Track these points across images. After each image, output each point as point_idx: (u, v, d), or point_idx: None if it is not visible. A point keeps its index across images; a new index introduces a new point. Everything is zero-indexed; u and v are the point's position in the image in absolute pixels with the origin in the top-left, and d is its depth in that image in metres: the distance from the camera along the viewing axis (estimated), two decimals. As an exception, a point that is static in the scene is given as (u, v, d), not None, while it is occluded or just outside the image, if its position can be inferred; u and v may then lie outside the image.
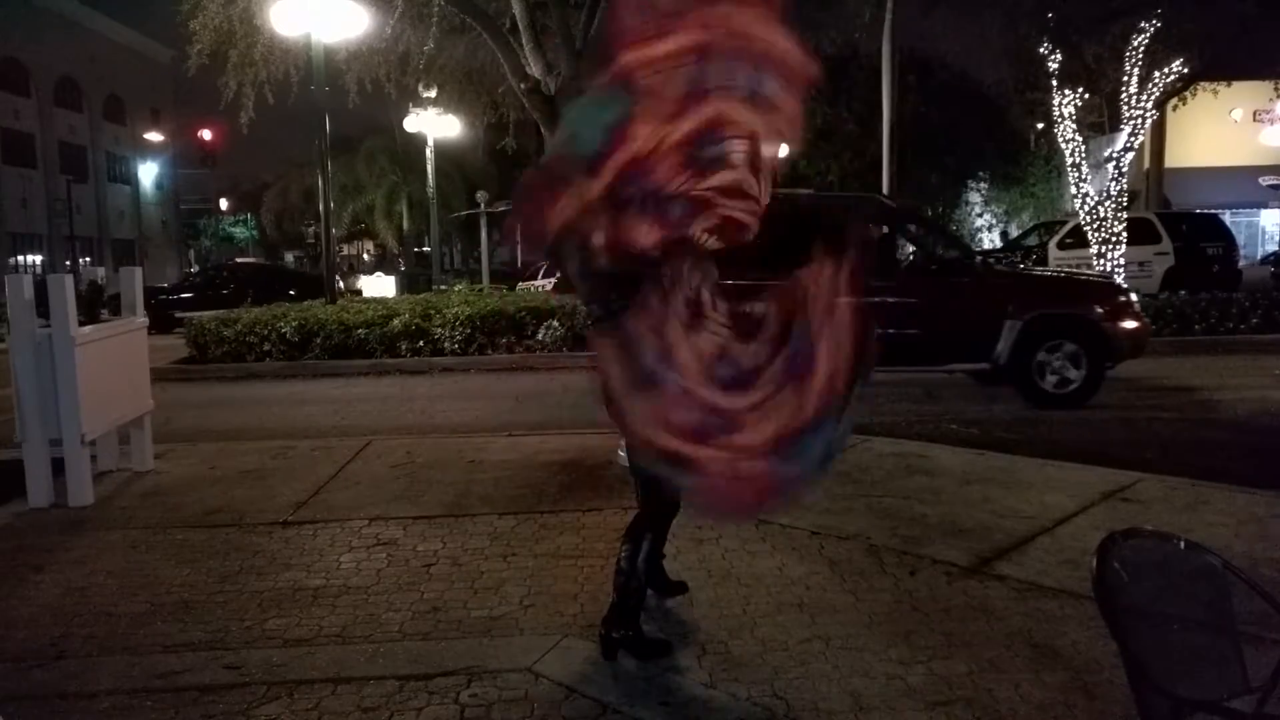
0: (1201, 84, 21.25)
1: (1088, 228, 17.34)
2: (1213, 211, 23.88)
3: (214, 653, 3.85)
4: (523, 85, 16.65)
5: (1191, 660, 2.12)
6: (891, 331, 9.44)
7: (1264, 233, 32.73)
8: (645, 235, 3.14)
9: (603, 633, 3.75)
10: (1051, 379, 9.58)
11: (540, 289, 21.76)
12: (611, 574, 3.81)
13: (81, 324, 6.15)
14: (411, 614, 4.21)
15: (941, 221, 40.89)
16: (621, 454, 6.65)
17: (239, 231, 60.89)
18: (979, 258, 10.69)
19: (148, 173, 55.89)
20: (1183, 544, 2.26)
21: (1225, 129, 28.95)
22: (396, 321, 14.12)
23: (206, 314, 16.28)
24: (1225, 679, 2.07)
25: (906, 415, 9.15)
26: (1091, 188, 17.48)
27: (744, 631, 3.93)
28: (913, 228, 11.11)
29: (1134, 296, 10.29)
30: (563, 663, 3.68)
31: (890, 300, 9.49)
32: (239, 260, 42.05)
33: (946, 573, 4.55)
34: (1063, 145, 18.43)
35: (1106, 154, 18.03)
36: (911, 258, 11.18)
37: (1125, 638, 2.00)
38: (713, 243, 3.30)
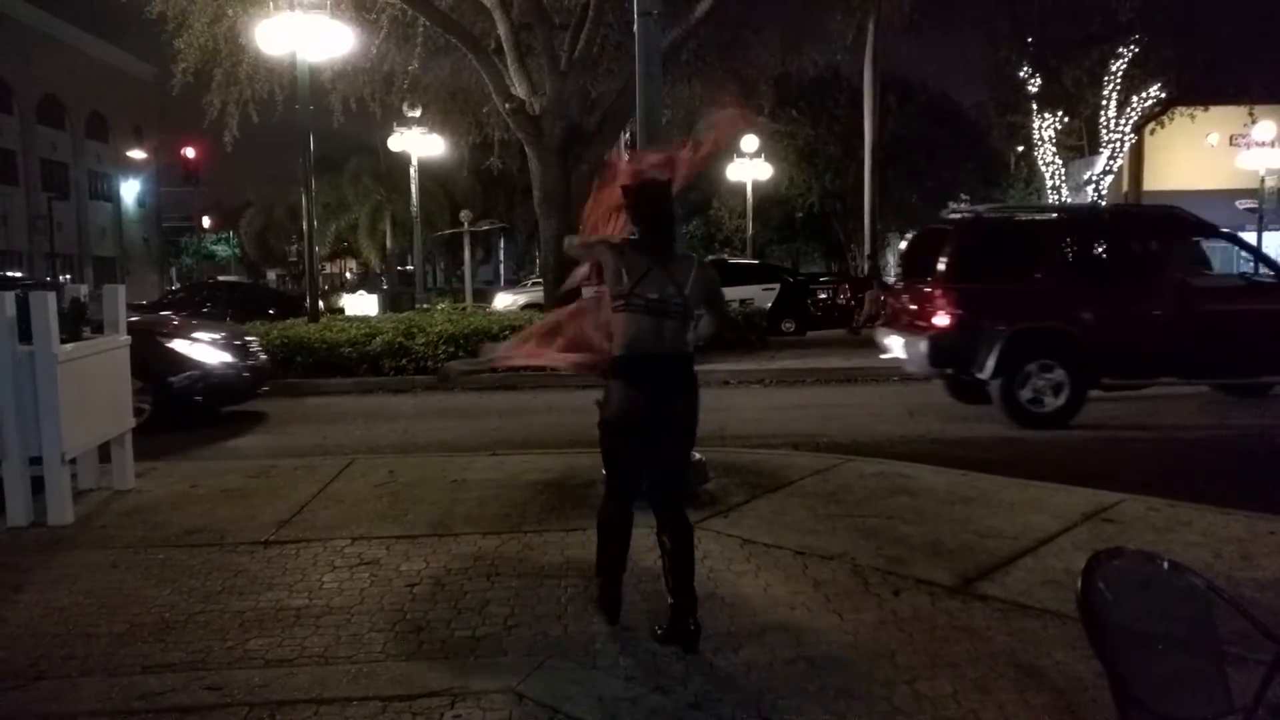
0: (1179, 109, 21.54)
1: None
2: (1191, 234, 24.06)
3: (195, 673, 3.82)
4: (507, 105, 16.73)
5: (1176, 680, 2.13)
6: (1195, 344, 9.59)
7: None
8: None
9: (692, 627, 3.95)
10: None
11: (513, 304, 21.90)
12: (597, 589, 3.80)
13: (63, 341, 6.10)
14: (395, 634, 4.19)
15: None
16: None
17: (221, 249, 60.60)
18: None
19: (130, 190, 55.63)
20: (1166, 564, 2.27)
21: (1202, 153, 29.28)
22: (379, 340, 14.08)
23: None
24: (1209, 699, 2.08)
25: (888, 435, 9.19)
26: (1072, 210, 17.62)
27: (729, 652, 3.92)
28: (1217, 241, 11.10)
29: None
30: (547, 683, 3.66)
31: (1194, 313, 9.61)
32: (219, 278, 41.92)
33: (930, 593, 4.56)
34: (1043, 168, 18.64)
35: (1086, 177, 18.24)
36: (1214, 270, 11.27)
37: (1110, 658, 2.01)
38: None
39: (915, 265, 11.11)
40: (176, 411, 10.13)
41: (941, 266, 9.92)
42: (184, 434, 9.54)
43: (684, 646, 3.93)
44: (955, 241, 10.11)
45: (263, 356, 12.02)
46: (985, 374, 9.62)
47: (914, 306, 10.39)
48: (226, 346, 11.06)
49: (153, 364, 10.05)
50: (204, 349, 10.68)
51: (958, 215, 10.97)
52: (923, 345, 9.88)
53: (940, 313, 9.74)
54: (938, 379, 11.02)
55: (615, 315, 4.05)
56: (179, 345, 10.54)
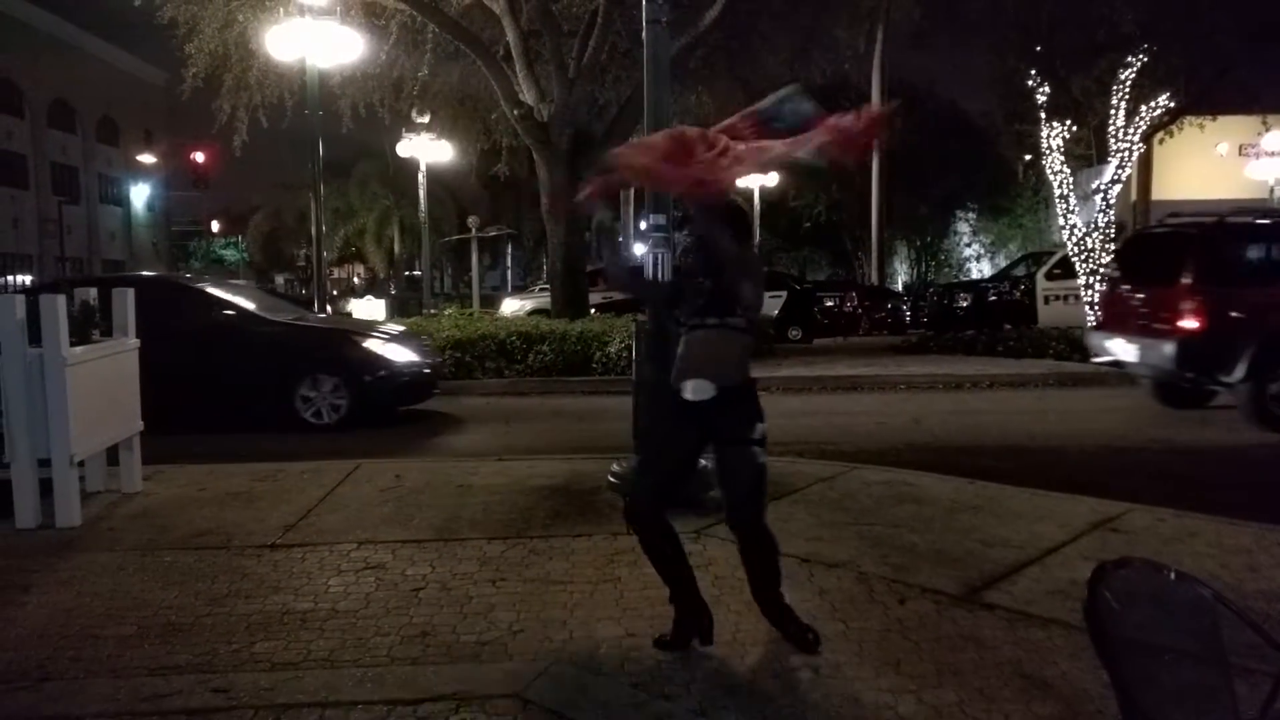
0: (1188, 118, 21.47)
1: (1075, 259, 17.45)
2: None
3: (201, 676, 3.83)
4: (516, 111, 16.76)
5: (1182, 691, 2.12)
6: None
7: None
8: None
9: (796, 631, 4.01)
10: None
11: (520, 310, 21.99)
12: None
13: (73, 344, 6.12)
14: (400, 638, 4.19)
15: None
16: (611, 479, 6.65)
17: (229, 253, 60.85)
18: None
19: (139, 194, 55.92)
20: (1174, 575, 2.26)
21: (1211, 163, 29.19)
22: (387, 345, 14.09)
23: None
24: (1216, 711, 2.08)
25: (894, 443, 9.18)
26: (1079, 219, 17.59)
27: (734, 659, 3.92)
28: None
29: None
30: (551, 689, 3.66)
31: None
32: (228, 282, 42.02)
33: (936, 601, 4.55)
34: (1050, 177, 18.53)
35: (1094, 186, 18.15)
36: None
37: (1116, 668, 2.00)
38: None
39: (1136, 268, 11.05)
40: (369, 410, 10.42)
41: (1187, 270, 9.85)
42: (182, 435, 9.57)
43: (687, 648, 3.95)
44: (1201, 245, 10.08)
45: (438, 357, 12.39)
46: (1234, 378, 9.54)
47: (1152, 310, 10.28)
48: (412, 345, 11.39)
49: (350, 363, 10.45)
50: (395, 348, 10.96)
51: (1191, 220, 10.80)
52: (1168, 348, 9.79)
53: (1189, 316, 9.64)
54: (1149, 380, 11.00)
55: (745, 337, 3.93)
56: (373, 345, 10.84)
